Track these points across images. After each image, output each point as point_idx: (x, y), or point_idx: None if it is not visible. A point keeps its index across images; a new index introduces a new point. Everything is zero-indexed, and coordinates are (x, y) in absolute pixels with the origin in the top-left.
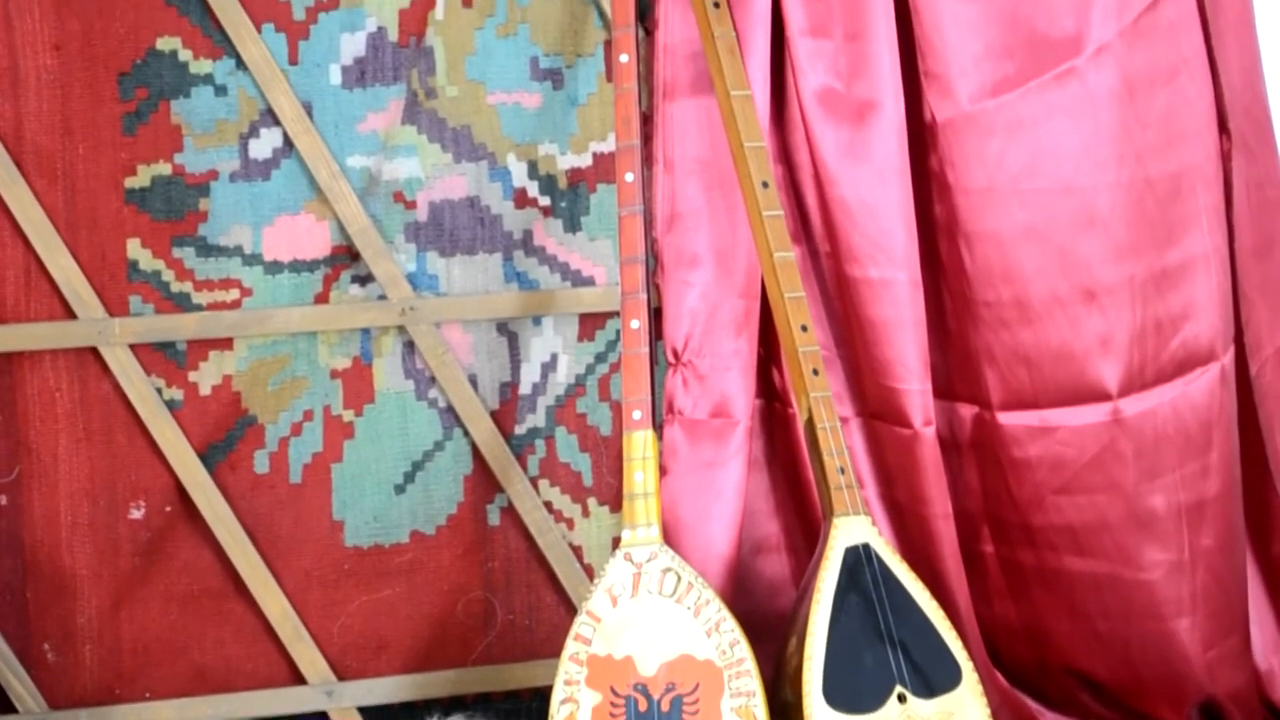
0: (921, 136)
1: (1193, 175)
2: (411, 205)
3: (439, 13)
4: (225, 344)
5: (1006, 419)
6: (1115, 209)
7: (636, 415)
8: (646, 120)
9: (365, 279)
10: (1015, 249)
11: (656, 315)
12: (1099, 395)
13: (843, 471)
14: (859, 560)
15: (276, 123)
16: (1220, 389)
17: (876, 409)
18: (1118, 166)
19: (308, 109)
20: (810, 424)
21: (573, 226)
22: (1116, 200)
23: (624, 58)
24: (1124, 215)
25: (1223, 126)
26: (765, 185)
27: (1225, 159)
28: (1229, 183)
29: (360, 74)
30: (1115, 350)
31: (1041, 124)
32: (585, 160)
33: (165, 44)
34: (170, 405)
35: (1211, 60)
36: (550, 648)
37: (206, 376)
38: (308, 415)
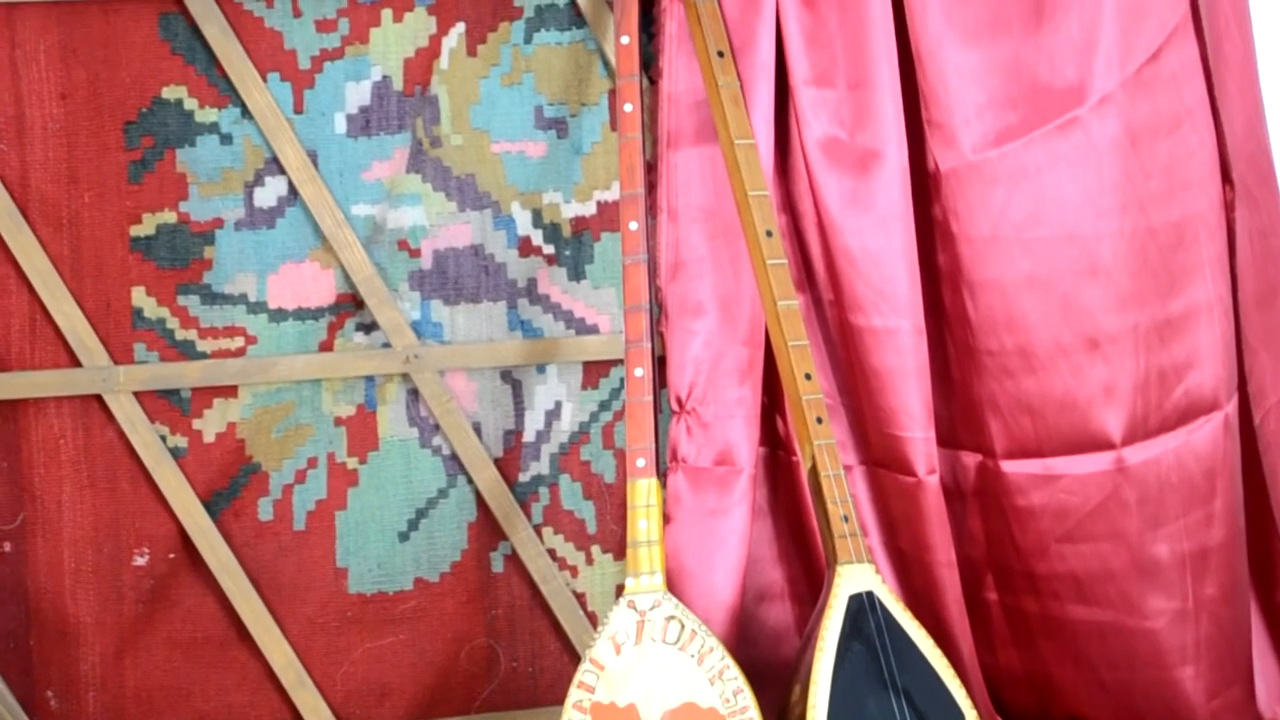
0: (925, 185)
1: (1196, 224)
2: (416, 253)
3: (444, 62)
4: (229, 391)
5: (1010, 467)
6: (1118, 258)
7: (640, 463)
8: (650, 169)
9: (370, 327)
10: (1019, 298)
11: (660, 363)
12: (1102, 444)
13: (846, 519)
14: (863, 608)
15: (281, 171)
16: (1224, 438)
17: (880, 457)
18: (1121, 215)
19: (312, 157)
20: (814, 472)
21: (577, 275)
22: (1120, 249)
23: (628, 107)
24: (1127, 264)
25: (1226, 176)
26: (769, 234)
27: (1228, 208)
28: (1232, 232)
29: (365, 123)
30: (1119, 399)
31: (1045, 173)
32: (589, 209)
33: (171, 93)
34: (174, 452)
35: (1214, 109)
36: (554, 695)
37: (210, 424)
38: (312, 462)
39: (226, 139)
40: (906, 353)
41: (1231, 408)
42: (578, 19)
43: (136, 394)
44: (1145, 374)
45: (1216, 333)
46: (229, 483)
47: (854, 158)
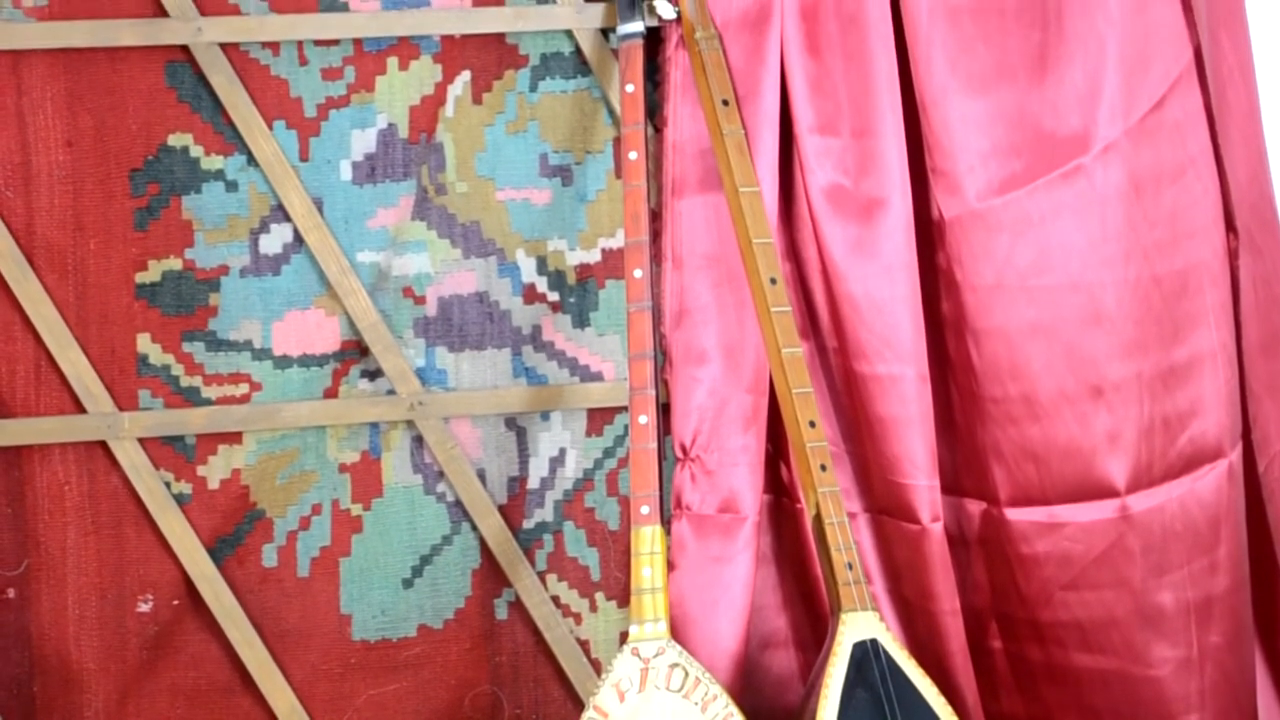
0: (929, 233)
1: (1200, 272)
2: (421, 300)
3: (449, 110)
4: (234, 438)
5: (1014, 515)
6: (1122, 306)
7: (644, 510)
8: (655, 217)
9: (374, 374)
10: (1023, 345)
11: (665, 411)
12: (1107, 492)
13: (850, 567)
14: (866, 656)
15: (287, 218)
16: (1228, 486)
17: (884, 504)
18: (1124, 264)
19: (318, 205)
20: (818, 519)
21: (581, 322)
22: (1124, 297)
23: (633, 155)
24: (1131, 312)
25: (1229, 224)
26: (773, 281)
27: (1232, 256)
28: (1236, 280)
29: (370, 170)
30: (1123, 447)
31: (1049, 221)
32: (594, 256)
33: (177, 140)
34: (179, 499)
35: (1218, 158)
36: None
37: (215, 470)
38: (316, 509)
39: (232, 186)
40: (911, 400)
41: (1236, 456)
42: (583, 67)
43: (141, 440)
44: (1149, 422)
45: (1220, 381)
46: (233, 529)
47: (858, 205)
